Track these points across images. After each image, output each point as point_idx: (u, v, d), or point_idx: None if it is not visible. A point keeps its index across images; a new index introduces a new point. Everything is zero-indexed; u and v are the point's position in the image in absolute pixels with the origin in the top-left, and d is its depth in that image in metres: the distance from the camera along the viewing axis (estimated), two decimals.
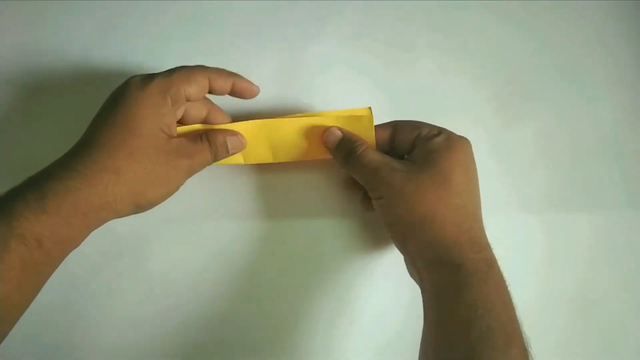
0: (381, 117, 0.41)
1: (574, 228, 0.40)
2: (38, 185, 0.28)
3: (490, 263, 0.32)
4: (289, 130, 0.37)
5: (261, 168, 0.40)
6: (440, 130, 0.35)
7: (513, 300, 0.32)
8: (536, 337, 0.39)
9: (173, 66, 0.32)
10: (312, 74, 0.42)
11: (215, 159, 0.35)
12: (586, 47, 0.44)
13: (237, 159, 0.38)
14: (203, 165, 0.35)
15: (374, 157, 0.35)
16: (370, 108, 0.36)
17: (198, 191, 0.39)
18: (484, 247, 0.33)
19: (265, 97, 0.41)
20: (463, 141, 0.35)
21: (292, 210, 0.40)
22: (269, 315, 0.38)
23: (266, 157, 0.38)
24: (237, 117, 0.39)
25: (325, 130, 0.36)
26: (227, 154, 0.35)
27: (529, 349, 0.30)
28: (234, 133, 0.35)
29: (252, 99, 0.36)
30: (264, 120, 0.36)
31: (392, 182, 0.33)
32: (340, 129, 0.36)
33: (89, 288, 0.38)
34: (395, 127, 0.37)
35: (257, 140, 0.37)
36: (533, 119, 0.42)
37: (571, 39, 0.44)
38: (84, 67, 0.42)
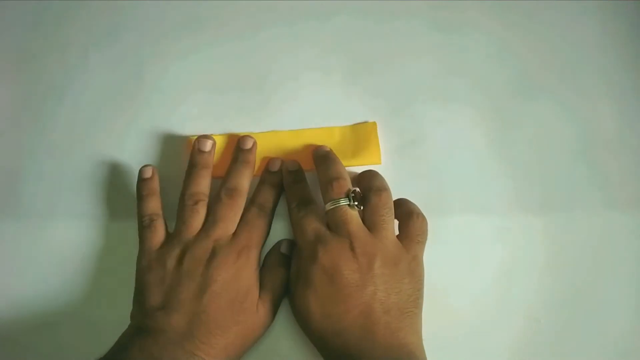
0: (381, 118, 0.41)
1: (574, 228, 0.40)
2: None
3: None
4: (298, 141, 0.39)
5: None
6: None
7: None
8: (534, 337, 0.39)
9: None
10: (310, 76, 0.42)
11: None
12: (587, 47, 0.43)
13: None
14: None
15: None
16: (375, 123, 0.39)
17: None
18: None
19: (266, 99, 0.42)
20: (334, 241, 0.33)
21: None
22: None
23: None
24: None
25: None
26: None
27: None
28: None
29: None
30: (274, 131, 0.40)
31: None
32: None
33: (91, 289, 0.39)
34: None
35: (265, 149, 0.39)
36: (533, 119, 0.42)
37: (571, 39, 0.44)
38: (84, 68, 0.42)
